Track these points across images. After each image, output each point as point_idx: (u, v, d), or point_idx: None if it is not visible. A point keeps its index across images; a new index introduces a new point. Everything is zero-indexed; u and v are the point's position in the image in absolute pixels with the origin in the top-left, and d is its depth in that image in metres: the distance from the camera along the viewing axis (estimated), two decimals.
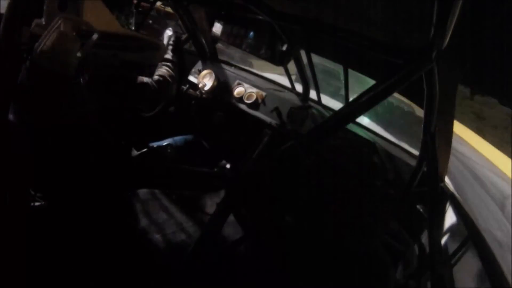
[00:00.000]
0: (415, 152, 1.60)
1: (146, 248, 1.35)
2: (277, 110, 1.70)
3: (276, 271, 1.44)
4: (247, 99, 1.89)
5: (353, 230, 1.64)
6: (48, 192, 1.16)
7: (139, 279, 1.19)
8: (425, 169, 1.27)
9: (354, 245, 1.57)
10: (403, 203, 1.42)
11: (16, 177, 0.87)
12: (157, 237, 1.40)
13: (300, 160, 1.60)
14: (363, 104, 0.83)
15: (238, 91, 1.95)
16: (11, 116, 0.92)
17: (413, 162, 1.45)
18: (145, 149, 1.62)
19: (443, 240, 1.16)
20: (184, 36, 1.85)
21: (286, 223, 1.81)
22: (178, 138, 1.87)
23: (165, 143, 1.76)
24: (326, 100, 1.96)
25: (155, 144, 1.72)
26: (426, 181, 1.25)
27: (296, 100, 1.86)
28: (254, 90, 1.90)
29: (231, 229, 1.58)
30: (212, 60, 2.15)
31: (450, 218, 1.26)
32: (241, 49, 1.59)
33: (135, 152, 1.56)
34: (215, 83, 2.00)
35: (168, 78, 1.37)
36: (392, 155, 1.57)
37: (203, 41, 2.04)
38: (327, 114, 1.79)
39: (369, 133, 1.78)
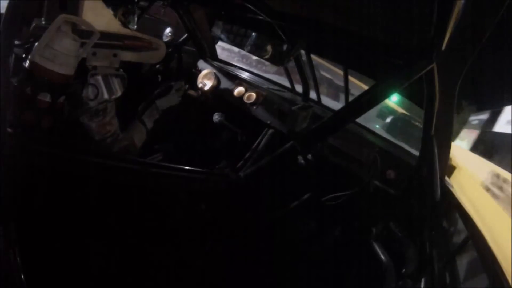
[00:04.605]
0: (415, 152, 1.60)
1: (145, 249, 1.35)
2: (277, 110, 1.69)
3: (275, 270, 1.44)
4: (247, 99, 1.89)
5: (351, 230, 1.64)
6: None
7: (139, 278, 1.19)
8: (425, 169, 1.27)
9: (353, 245, 1.56)
10: (403, 203, 1.41)
11: None
12: (157, 236, 1.40)
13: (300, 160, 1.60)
14: (363, 104, 0.84)
15: (238, 91, 1.94)
16: None
17: (413, 162, 1.45)
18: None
19: (443, 240, 1.16)
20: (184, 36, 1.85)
21: (285, 223, 1.81)
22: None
23: (166, 144, 1.76)
24: (326, 100, 1.96)
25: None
26: (426, 181, 1.25)
27: (296, 100, 1.86)
28: (254, 90, 1.90)
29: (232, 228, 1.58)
30: (212, 60, 2.15)
31: (450, 218, 1.26)
32: (241, 49, 1.59)
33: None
34: (215, 83, 2.00)
35: None
36: (392, 155, 1.56)
37: (203, 41, 2.04)
38: (327, 114, 1.79)
39: (369, 133, 1.78)
